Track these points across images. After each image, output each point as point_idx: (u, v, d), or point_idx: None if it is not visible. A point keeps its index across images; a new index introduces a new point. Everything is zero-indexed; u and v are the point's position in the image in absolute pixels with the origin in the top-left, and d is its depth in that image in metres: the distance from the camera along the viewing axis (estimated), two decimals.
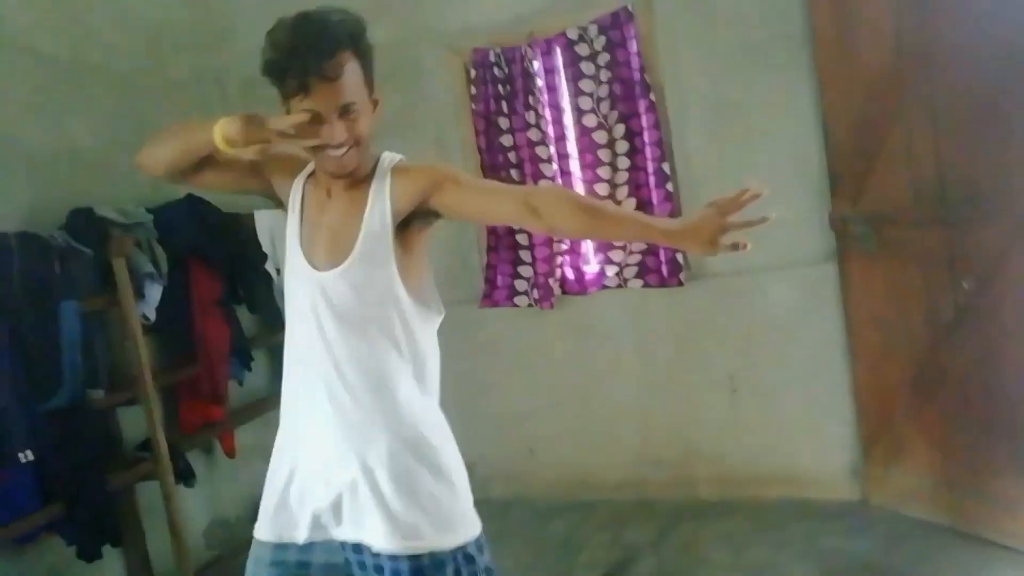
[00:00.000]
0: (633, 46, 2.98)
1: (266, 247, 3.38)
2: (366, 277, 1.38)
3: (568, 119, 3.18)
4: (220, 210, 3.26)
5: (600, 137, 3.09)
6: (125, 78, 3.13)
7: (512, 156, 3.24)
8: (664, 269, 3.05)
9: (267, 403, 3.52)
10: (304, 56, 1.26)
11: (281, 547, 1.46)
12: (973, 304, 2.39)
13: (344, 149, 1.34)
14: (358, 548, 1.42)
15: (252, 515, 3.41)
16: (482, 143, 3.29)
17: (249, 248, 3.33)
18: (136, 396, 2.72)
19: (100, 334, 2.76)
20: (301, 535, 1.44)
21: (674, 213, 3.01)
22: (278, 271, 3.43)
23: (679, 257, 3.01)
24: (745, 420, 3.06)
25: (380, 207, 1.39)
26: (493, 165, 3.28)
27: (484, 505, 1.53)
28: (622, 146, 3.05)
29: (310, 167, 1.51)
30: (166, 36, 3.35)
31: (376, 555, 1.38)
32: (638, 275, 3.12)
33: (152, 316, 2.87)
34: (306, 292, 1.42)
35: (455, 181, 1.37)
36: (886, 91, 2.53)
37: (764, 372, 3.01)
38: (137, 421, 2.81)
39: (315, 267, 1.42)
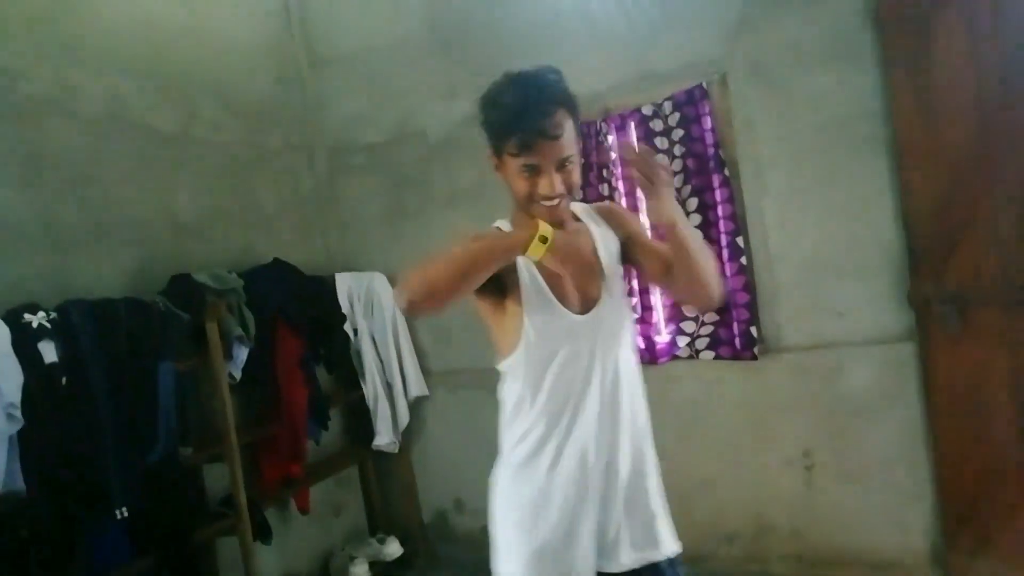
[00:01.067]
0: (708, 122, 3.03)
1: (345, 308, 3.52)
2: (617, 305, 1.54)
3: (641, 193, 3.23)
4: (303, 273, 3.42)
5: None
6: (224, 150, 3.35)
7: None
8: (737, 342, 3.04)
9: (341, 461, 3.62)
10: (529, 117, 1.35)
11: None
12: None
13: (558, 200, 1.42)
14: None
15: (322, 570, 3.49)
16: None
17: (330, 309, 3.47)
18: (221, 453, 2.84)
19: (191, 393, 2.91)
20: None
21: (748, 287, 3.02)
22: (355, 331, 3.55)
23: (753, 330, 3.00)
24: (821, 498, 2.98)
25: (607, 238, 1.58)
26: None
27: None
28: (695, 219, 3.09)
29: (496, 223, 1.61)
30: (262, 111, 3.58)
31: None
32: (710, 346, 3.11)
33: (238, 376, 3.01)
34: (573, 338, 1.49)
35: (643, 231, 1.62)
36: (970, 171, 2.51)
37: (841, 450, 2.94)
38: (220, 477, 2.93)
39: (576, 311, 1.51)
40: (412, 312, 1.32)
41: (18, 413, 2.19)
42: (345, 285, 3.56)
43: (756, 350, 3.00)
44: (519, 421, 1.56)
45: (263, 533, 2.96)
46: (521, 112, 1.35)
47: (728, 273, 3.05)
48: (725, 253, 3.05)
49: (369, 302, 3.64)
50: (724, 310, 3.08)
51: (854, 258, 2.87)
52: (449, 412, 3.73)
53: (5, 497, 2.17)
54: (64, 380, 2.34)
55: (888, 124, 2.75)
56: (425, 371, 3.72)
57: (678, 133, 3.09)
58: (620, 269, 1.59)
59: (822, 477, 2.98)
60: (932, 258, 2.67)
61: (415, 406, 3.69)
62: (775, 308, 3.02)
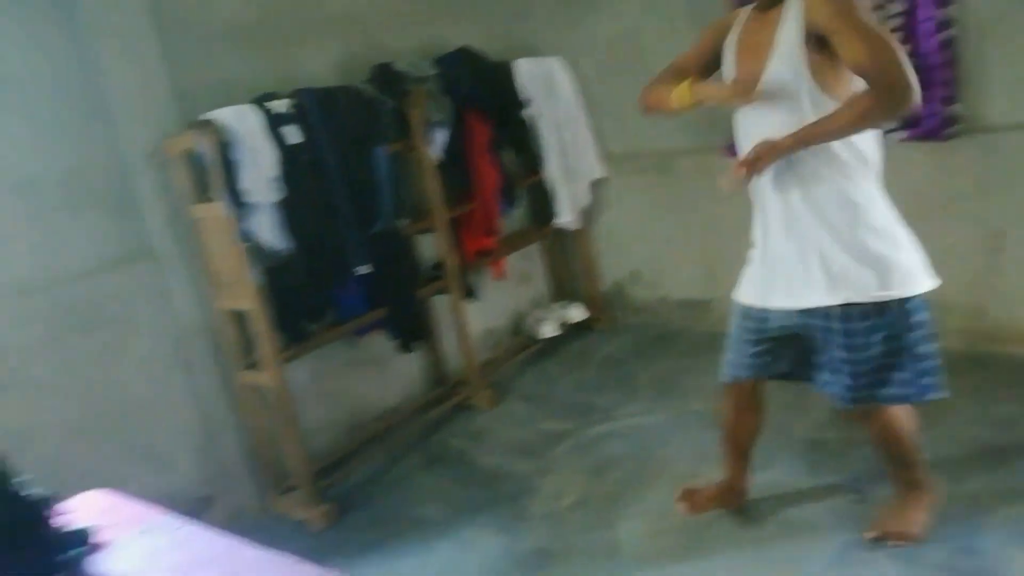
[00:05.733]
0: None
1: (527, 94, 3.68)
2: (782, 78, 1.73)
3: None
4: (488, 59, 3.58)
5: None
6: None
7: None
8: (930, 122, 2.93)
9: (528, 236, 3.99)
10: None
11: (752, 309, 2.00)
12: None
13: None
14: (810, 312, 1.87)
15: (514, 327, 3.98)
16: None
17: (513, 95, 3.65)
18: (431, 225, 3.25)
19: (401, 173, 3.29)
20: (767, 302, 1.95)
21: (950, 63, 2.84)
22: (536, 116, 3.73)
23: (948, 110, 2.87)
24: (1005, 278, 2.99)
25: (791, 23, 1.72)
26: None
27: None
28: None
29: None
30: None
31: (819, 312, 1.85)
32: (901, 127, 3.03)
33: (438, 158, 3.33)
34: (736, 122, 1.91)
35: (843, 27, 1.62)
36: None
37: None
38: (428, 247, 3.38)
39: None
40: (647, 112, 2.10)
41: (278, 185, 2.64)
42: (525, 71, 3.70)
43: (949, 131, 2.90)
44: None
45: (470, 292, 3.44)
46: None
47: (927, 49, 2.87)
48: (926, 27, 2.86)
49: (549, 87, 3.77)
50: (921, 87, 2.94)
51: None
52: (627, 192, 3.94)
53: (277, 254, 2.69)
54: (306, 159, 2.76)
55: None
56: (605, 154, 3.89)
57: None
58: (795, 53, 1.71)
59: (1008, 258, 2.96)
60: None
61: (595, 187, 3.93)
62: (977, 85, 2.85)
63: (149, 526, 1.42)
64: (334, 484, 2.90)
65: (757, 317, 1.98)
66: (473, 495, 2.76)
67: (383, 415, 3.30)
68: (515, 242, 3.90)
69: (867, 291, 1.79)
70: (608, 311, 4.14)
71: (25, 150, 2.38)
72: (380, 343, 3.22)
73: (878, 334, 1.82)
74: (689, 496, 2.33)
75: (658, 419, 3.04)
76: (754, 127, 1.82)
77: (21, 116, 2.38)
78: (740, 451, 2.25)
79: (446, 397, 3.38)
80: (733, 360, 2.08)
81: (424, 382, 3.55)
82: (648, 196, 3.85)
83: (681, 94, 1.88)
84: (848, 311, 1.81)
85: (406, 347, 3.16)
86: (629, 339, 3.91)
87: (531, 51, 3.90)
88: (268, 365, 2.65)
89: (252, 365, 2.74)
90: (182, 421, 2.73)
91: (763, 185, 1.86)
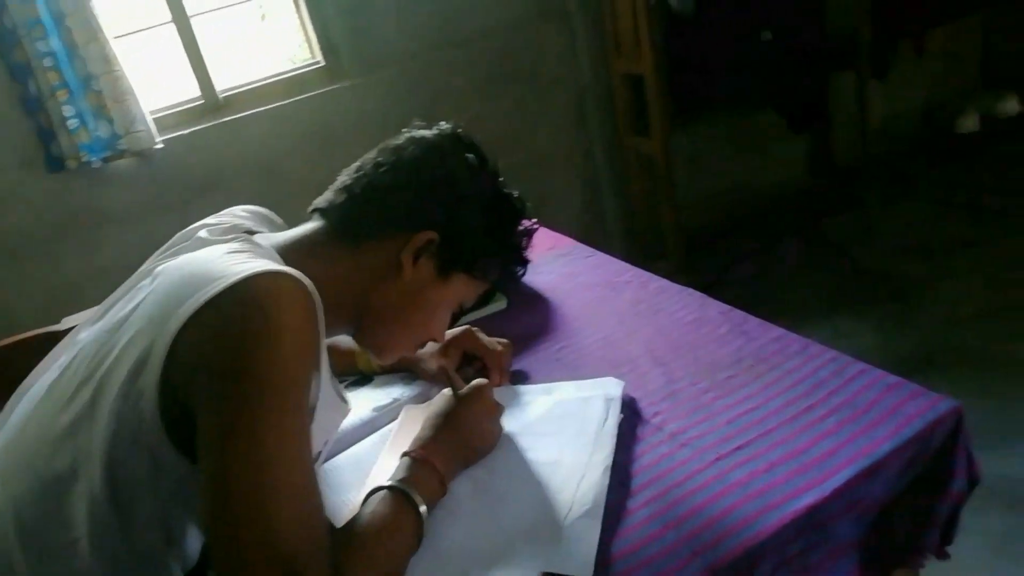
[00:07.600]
0: None
1: None
2: None
3: None
4: None
5: None
6: None
7: None
8: None
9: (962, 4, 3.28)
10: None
11: None
12: None
13: None
14: None
15: (926, 116, 3.43)
16: None
17: None
18: None
19: None
20: None
21: None
22: None
23: None
24: None
25: None
26: None
27: None
28: None
29: None
30: None
31: None
32: None
33: None
34: None
35: None
36: None
37: None
38: (840, 13, 2.96)
39: None
40: None
41: None
42: None
43: None
44: None
45: (879, 70, 3.00)
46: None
47: None
48: None
49: None
50: None
51: None
52: None
53: (680, 16, 2.59)
54: None
55: None
56: None
57: None
58: None
59: None
60: None
61: None
62: None
63: (564, 251, 1.61)
64: (704, 259, 2.95)
65: None
66: (853, 289, 2.63)
67: (762, 197, 3.19)
68: (948, 8, 3.20)
69: None
70: None
71: None
72: (768, 120, 3.03)
73: None
74: None
75: None
76: None
77: None
78: None
79: (833, 187, 3.14)
80: None
81: (810, 168, 3.32)
82: None
83: None
84: None
85: (797, 127, 2.95)
86: None
87: None
88: (655, 132, 2.68)
89: (640, 131, 2.80)
90: (572, 175, 2.94)
91: None
